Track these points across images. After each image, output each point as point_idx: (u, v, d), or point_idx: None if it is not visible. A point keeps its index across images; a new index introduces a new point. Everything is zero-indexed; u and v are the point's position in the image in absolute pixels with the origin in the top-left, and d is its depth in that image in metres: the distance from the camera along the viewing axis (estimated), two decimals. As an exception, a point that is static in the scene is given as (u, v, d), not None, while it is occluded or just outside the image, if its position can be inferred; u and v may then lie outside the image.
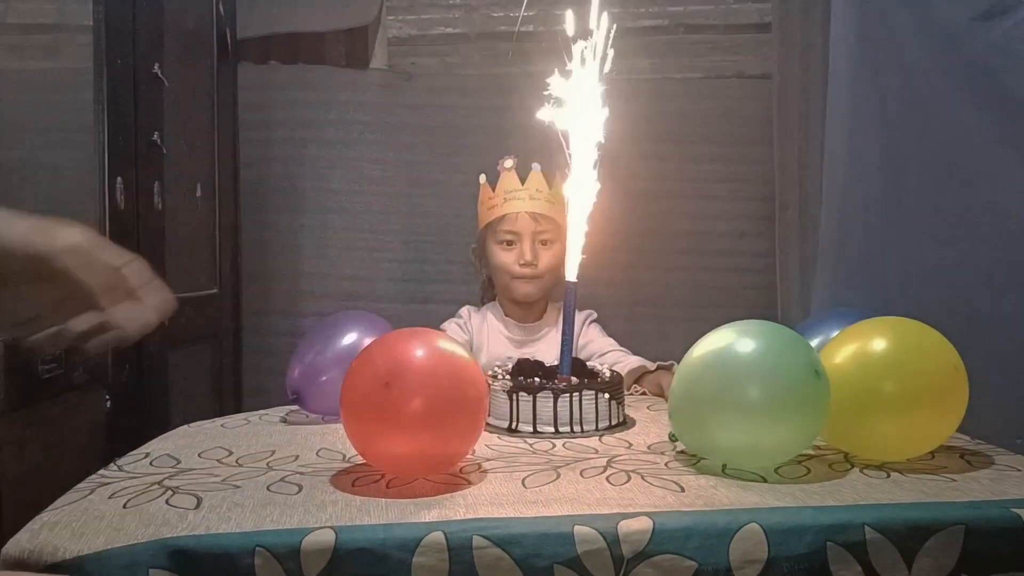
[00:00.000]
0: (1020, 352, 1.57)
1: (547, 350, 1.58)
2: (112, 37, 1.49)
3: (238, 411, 2.12)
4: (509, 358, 1.59)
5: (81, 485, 0.92)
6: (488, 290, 1.71)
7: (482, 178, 1.61)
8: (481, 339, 1.65)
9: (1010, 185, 1.64)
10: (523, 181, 1.56)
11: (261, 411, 1.34)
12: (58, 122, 1.61)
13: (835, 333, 1.09)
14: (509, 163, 1.56)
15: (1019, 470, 0.92)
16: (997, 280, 1.65)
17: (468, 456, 0.99)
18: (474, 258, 1.69)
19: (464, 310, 1.70)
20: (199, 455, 1.04)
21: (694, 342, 0.99)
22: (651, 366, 1.48)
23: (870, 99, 1.89)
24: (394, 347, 0.90)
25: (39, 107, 1.49)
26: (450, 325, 1.67)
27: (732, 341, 0.94)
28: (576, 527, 0.76)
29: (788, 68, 2.21)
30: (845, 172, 1.92)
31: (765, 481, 0.89)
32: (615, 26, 1.22)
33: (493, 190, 1.59)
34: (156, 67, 1.61)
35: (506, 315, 1.65)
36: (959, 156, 1.79)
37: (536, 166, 1.55)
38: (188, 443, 1.10)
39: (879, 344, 0.96)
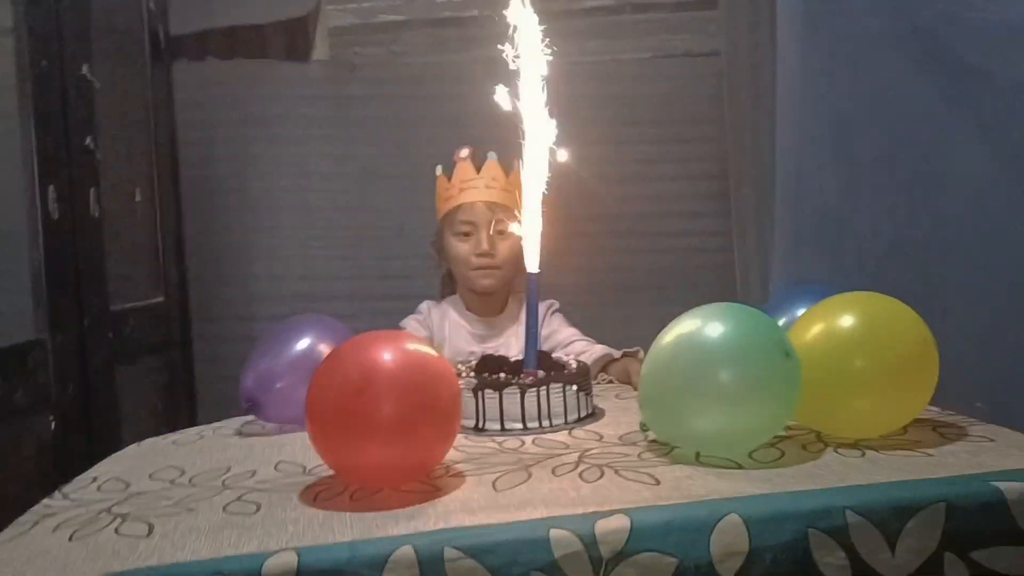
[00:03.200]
0: (977, 320, 1.58)
1: (510, 344, 1.55)
2: (35, 39, 1.42)
3: (193, 423, 2.06)
4: (472, 353, 1.55)
5: (23, 518, 0.86)
6: (448, 284, 1.67)
7: (438, 169, 1.57)
8: (442, 334, 1.61)
9: (963, 154, 1.64)
10: (479, 170, 1.52)
11: (215, 424, 1.28)
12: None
13: (801, 311, 1.08)
14: (464, 153, 1.52)
15: (993, 440, 0.92)
16: (953, 250, 1.66)
17: (435, 460, 0.96)
18: (433, 251, 1.65)
19: (423, 305, 1.66)
20: (150, 476, 0.99)
21: (656, 324, 0.97)
22: (616, 354, 1.46)
23: (819, 73, 1.89)
24: (364, 352, 0.86)
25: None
26: (409, 322, 1.63)
27: (700, 326, 0.91)
28: (552, 531, 0.73)
29: (736, 44, 2.21)
30: (797, 148, 1.91)
31: (740, 468, 0.87)
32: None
33: (449, 181, 1.54)
34: (85, 68, 1.54)
35: (467, 309, 1.61)
36: (912, 127, 1.79)
37: (492, 155, 1.51)
38: (138, 464, 1.05)
39: (847, 321, 0.94)
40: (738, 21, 2.17)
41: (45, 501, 0.92)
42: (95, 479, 0.99)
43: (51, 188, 1.38)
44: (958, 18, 1.65)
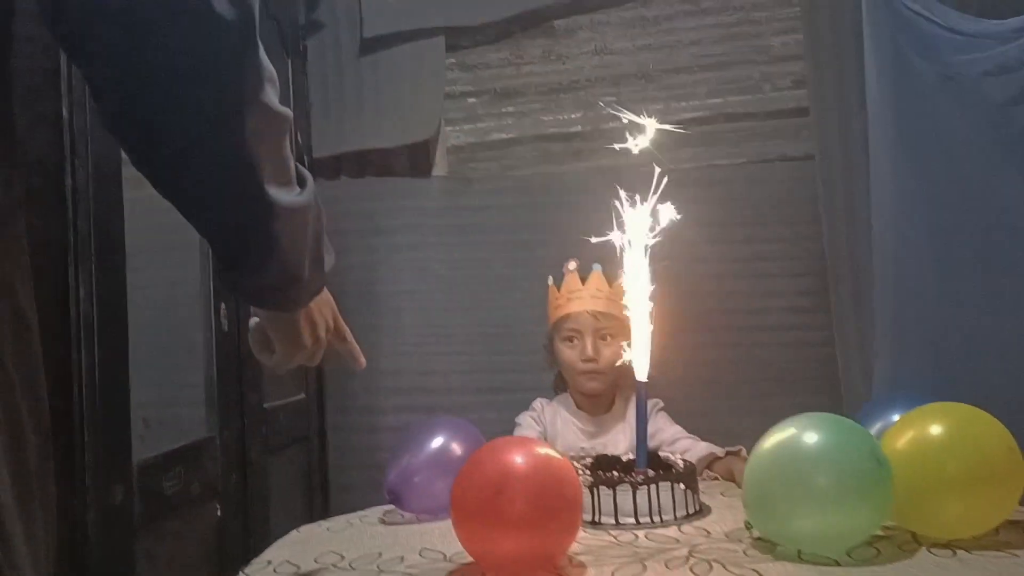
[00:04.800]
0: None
1: (618, 441, 1.67)
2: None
3: (326, 508, 2.25)
4: (582, 448, 1.68)
5: (219, 595, 1.03)
6: (560, 383, 1.81)
7: (550, 280, 1.73)
8: (554, 430, 1.75)
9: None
10: (583, 281, 1.67)
11: (359, 512, 1.44)
12: (170, 243, 1.77)
13: (895, 417, 1.16)
14: (572, 266, 1.68)
15: (1082, 544, 0.97)
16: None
17: (559, 551, 1.08)
18: (546, 353, 1.80)
19: (537, 402, 1.80)
20: (315, 560, 1.15)
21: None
22: (720, 452, 1.55)
23: (913, 176, 1.95)
24: (500, 456, 1.01)
25: (159, 231, 1.65)
26: (524, 418, 1.77)
27: (797, 434, 1.02)
28: (668, 619, 0.84)
29: (829, 150, 2.30)
30: (895, 248, 1.97)
31: (839, 565, 0.96)
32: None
33: (559, 291, 1.70)
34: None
35: (577, 407, 1.74)
36: (1011, 228, 1.83)
37: (597, 266, 1.66)
38: (302, 549, 1.21)
39: (936, 429, 1.03)
40: (829, 128, 2.28)
41: (234, 581, 1.09)
42: (270, 562, 1.16)
43: (223, 306, 1.61)
44: (1054, 122, 1.71)
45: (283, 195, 0.72)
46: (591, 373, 1.67)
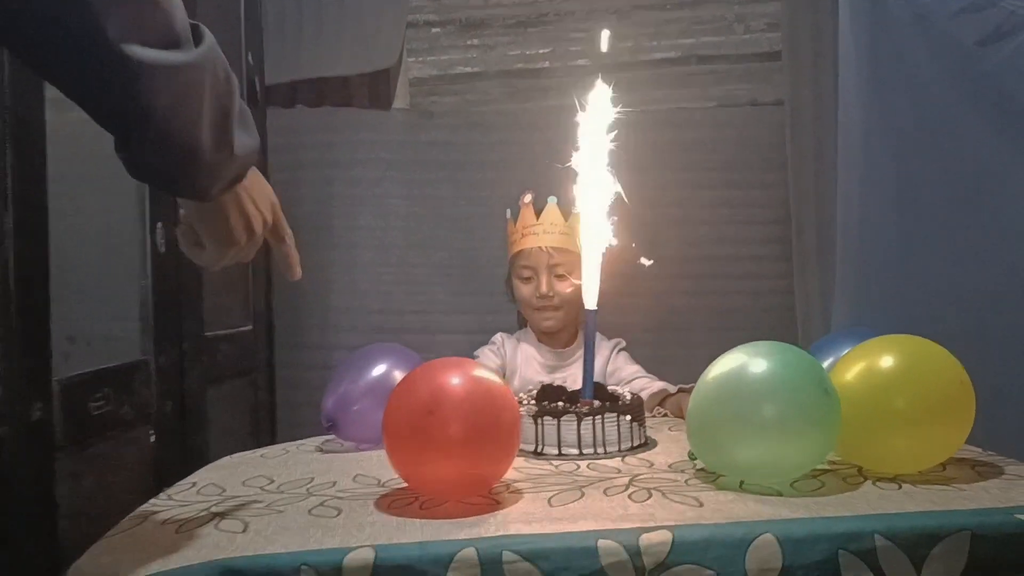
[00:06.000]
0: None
1: (578, 375, 1.62)
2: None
3: (273, 443, 2.19)
4: (542, 383, 1.64)
5: (135, 513, 0.98)
6: (523, 317, 1.76)
7: (508, 213, 1.67)
8: (514, 364, 1.71)
9: (1025, 198, 1.66)
10: (539, 215, 1.61)
11: (298, 441, 1.40)
12: (102, 171, 1.69)
13: (847, 351, 1.13)
14: (527, 198, 1.62)
15: (1027, 479, 0.95)
16: (1014, 295, 1.67)
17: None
18: (507, 289, 1.75)
19: (498, 336, 1.76)
20: (243, 483, 1.10)
21: None
22: (672, 388, 1.52)
23: (881, 121, 1.93)
24: (435, 376, 0.96)
25: (87, 158, 1.57)
26: (484, 351, 1.73)
27: (744, 362, 0.98)
28: (600, 541, 0.80)
29: (799, 94, 2.27)
30: (860, 194, 1.95)
31: (781, 495, 0.93)
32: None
33: (515, 225, 1.65)
34: (192, 117, 1.70)
35: (539, 340, 1.70)
36: (974, 173, 1.81)
37: (552, 199, 1.60)
38: (231, 473, 1.16)
39: (887, 362, 1.00)
40: (801, 72, 2.24)
41: (152, 500, 1.04)
42: (194, 484, 1.11)
43: (159, 225, 1.53)
44: (1021, 68, 1.68)
45: (152, 53, 0.64)
46: (547, 310, 1.63)
